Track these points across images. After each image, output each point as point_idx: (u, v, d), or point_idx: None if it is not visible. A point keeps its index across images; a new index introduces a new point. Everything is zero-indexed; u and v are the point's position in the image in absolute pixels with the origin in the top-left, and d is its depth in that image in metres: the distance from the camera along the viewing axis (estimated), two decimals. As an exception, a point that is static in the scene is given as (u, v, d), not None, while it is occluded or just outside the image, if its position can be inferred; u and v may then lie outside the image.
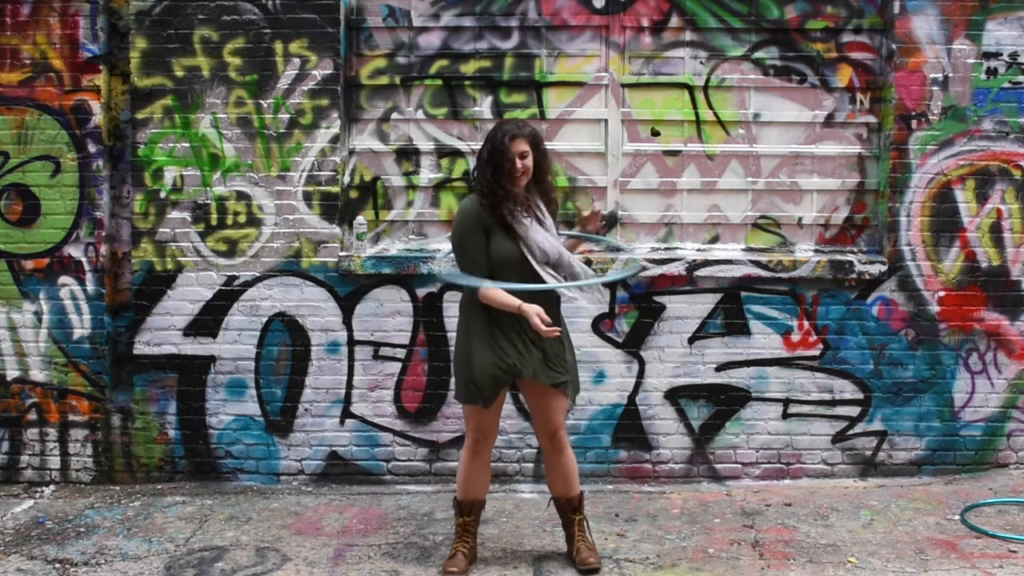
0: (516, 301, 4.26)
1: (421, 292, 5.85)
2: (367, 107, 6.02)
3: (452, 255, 4.53)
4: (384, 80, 6.00)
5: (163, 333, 5.88)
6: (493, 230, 4.35)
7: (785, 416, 5.89)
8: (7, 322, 5.90)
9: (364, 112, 6.02)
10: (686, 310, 5.86)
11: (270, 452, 5.92)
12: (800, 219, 6.02)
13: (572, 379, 4.56)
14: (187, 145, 5.85)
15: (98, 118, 5.84)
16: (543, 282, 4.33)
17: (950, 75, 5.77)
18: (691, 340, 5.86)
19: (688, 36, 5.97)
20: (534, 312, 4.22)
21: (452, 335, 5.81)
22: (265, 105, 5.82)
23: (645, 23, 5.96)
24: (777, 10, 5.93)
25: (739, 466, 5.90)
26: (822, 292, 5.85)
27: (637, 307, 5.86)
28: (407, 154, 6.03)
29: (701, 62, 5.98)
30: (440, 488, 5.79)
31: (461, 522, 4.64)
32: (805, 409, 5.88)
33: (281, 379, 5.89)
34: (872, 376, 5.86)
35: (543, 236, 4.37)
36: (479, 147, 4.53)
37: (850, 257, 5.88)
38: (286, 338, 5.88)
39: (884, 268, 5.81)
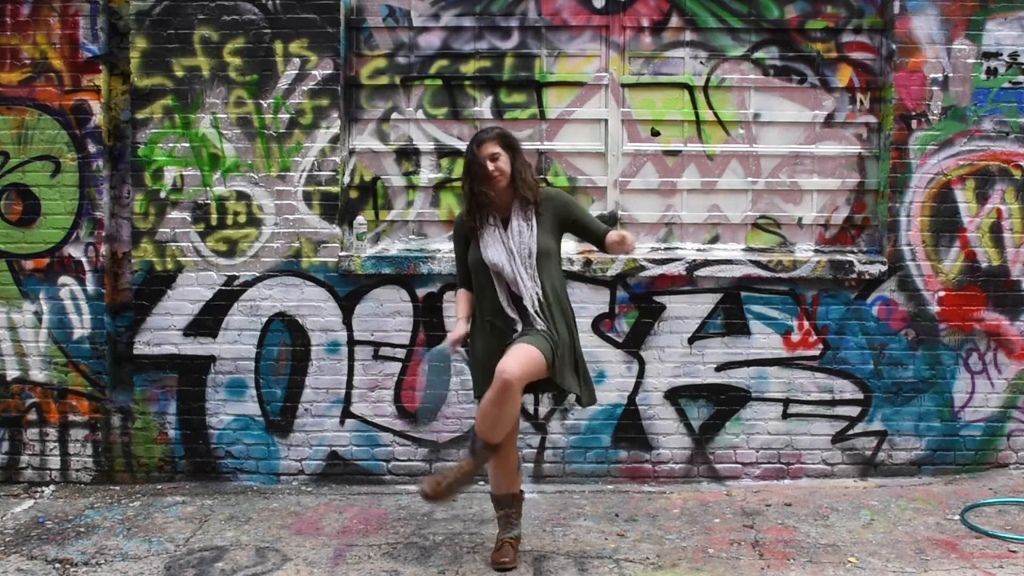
0: (460, 315, 4.65)
1: (421, 292, 5.85)
2: (367, 107, 6.02)
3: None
4: (384, 80, 6.00)
5: (163, 333, 5.88)
6: (472, 238, 4.57)
7: (785, 416, 5.89)
8: (7, 322, 5.90)
9: (364, 112, 6.02)
10: (686, 310, 5.86)
11: (270, 452, 5.92)
12: (800, 219, 6.02)
13: (580, 378, 4.59)
14: (187, 145, 5.85)
15: (98, 118, 5.84)
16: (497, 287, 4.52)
17: (950, 75, 5.77)
18: (691, 340, 5.86)
19: (688, 36, 5.97)
20: (451, 337, 4.61)
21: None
22: (265, 105, 5.82)
23: (645, 23, 5.96)
24: (777, 10, 5.94)
25: (739, 466, 5.90)
26: (822, 292, 5.85)
27: (637, 307, 5.86)
28: (407, 154, 6.03)
29: (701, 62, 5.98)
30: (440, 488, 5.79)
31: (502, 515, 4.71)
32: (805, 409, 5.89)
33: (281, 379, 5.89)
34: (872, 376, 5.86)
35: (493, 247, 4.48)
36: None
37: (850, 257, 5.88)
38: (286, 338, 5.88)
39: (884, 268, 5.81)
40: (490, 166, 4.42)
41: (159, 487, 5.87)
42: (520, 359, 4.29)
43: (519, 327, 4.45)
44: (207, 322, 5.87)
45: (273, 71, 5.82)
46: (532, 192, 4.51)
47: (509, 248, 4.45)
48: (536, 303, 4.45)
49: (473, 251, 4.54)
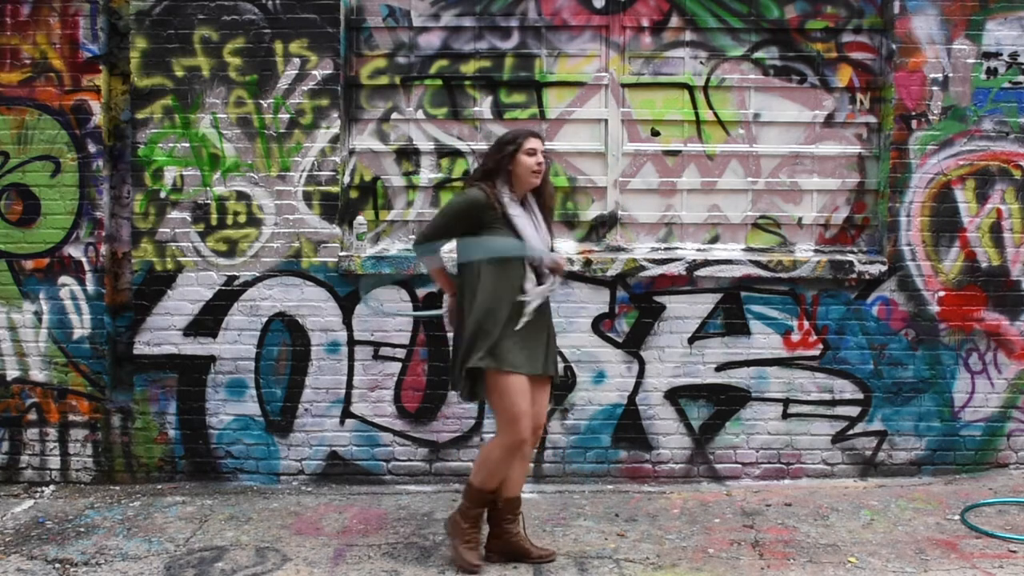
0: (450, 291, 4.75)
1: (421, 292, 5.85)
2: (367, 107, 6.02)
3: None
4: (384, 80, 6.00)
5: (163, 333, 5.88)
6: (487, 222, 4.57)
7: (785, 416, 5.89)
8: (7, 322, 5.90)
9: (364, 112, 6.02)
10: (686, 310, 5.86)
11: (270, 452, 5.92)
12: (800, 219, 6.02)
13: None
14: (187, 145, 5.85)
15: (98, 118, 5.84)
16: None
17: (950, 75, 5.78)
18: (691, 340, 5.86)
19: (688, 36, 5.97)
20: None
21: (452, 335, 5.81)
22: (265, 105, 5.82)
23: (645, 23, 5.96)
24: (777, 10, 5.94)
25: (739, 466, 5.91)
26: (822, 292, 5.85)
27: (637, 307, 5.86)
28: (407, 154, 6.03)
29: (701, 62, 5.98)
30: (440, 488, 5.79)
31: (477, 513, 4.73)
32: (805, 409, 5.89)
33: (281, 379, 5.89)
34: (872, 376, 5.86)
35: (535, 236, 4.57)
36: (482, 147, 4.69)
37: (850, 257, 5.88)
38: (286, 338, 5.88)
39: (884, 268, 5.81)
40: (540, 159, 4.52)
41: (159, 487, 5.87)
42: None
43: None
44: (207, 322, 5.87)
45: (273, 71, 5.82)
46: (552, 199, 4.72)
47: (543, 237, 4.58)
48: (555, 287, 4.64)
49: (506, 234, 4.46)
